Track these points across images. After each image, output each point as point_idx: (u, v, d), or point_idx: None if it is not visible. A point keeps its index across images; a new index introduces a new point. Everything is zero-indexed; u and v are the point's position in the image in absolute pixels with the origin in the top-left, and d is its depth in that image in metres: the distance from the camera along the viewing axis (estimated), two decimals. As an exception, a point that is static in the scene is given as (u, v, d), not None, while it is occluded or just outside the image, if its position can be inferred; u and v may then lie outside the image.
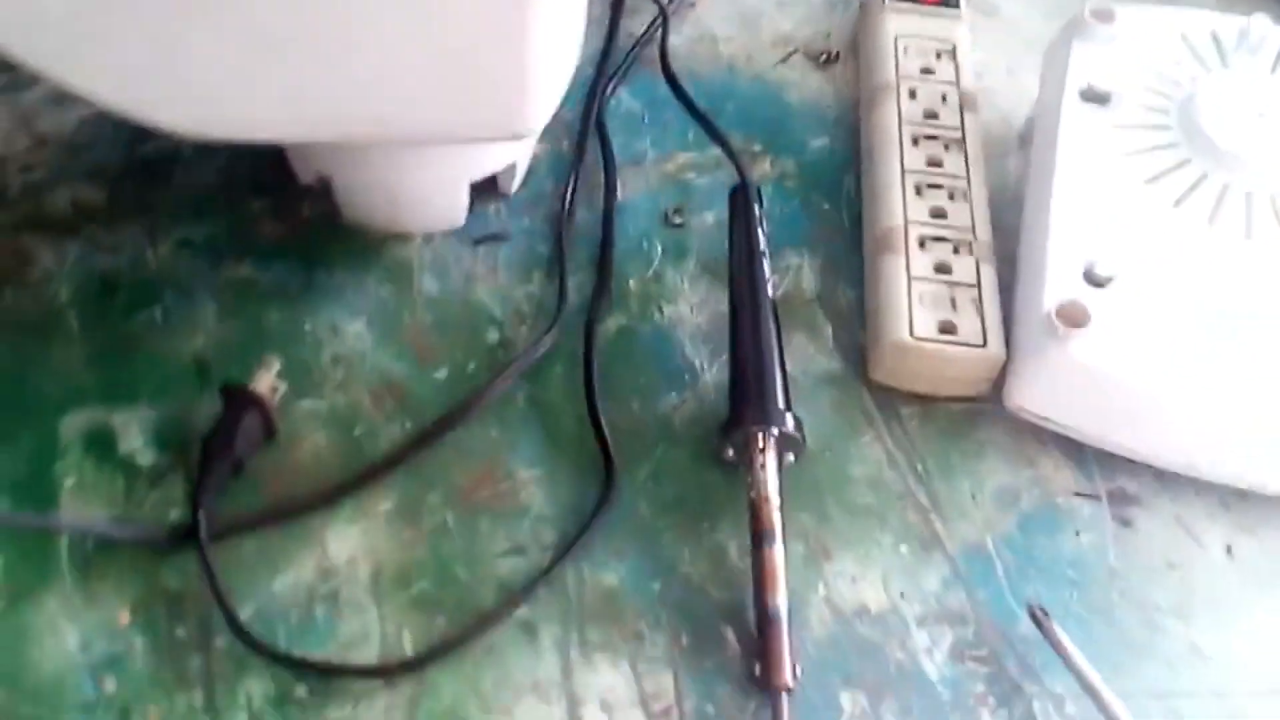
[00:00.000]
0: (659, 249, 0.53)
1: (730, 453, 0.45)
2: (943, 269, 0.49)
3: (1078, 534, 0.46)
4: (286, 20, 0.39)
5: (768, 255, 0.50)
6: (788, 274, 0.52)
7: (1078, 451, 0.47)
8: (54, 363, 0.47)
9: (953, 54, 0.57)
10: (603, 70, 0.59)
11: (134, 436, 0.45)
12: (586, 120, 0.57)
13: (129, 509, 0.43)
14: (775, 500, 0.43)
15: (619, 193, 0.54)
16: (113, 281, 0.49)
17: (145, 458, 0.45)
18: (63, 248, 0.50)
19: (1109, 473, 0.47)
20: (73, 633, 0.40)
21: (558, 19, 0.43)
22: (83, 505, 0.43)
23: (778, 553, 0.42)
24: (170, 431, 0.45)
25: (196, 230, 0.51)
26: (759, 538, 0.42)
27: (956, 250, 0.49)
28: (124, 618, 0.41)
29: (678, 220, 0.54)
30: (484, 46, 0.40)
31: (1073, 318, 0.45)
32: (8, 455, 0.44)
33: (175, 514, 0.43)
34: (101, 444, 0.45)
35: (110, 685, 0.39)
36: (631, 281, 0.51)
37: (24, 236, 0.50)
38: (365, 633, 0.41)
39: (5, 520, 0.43)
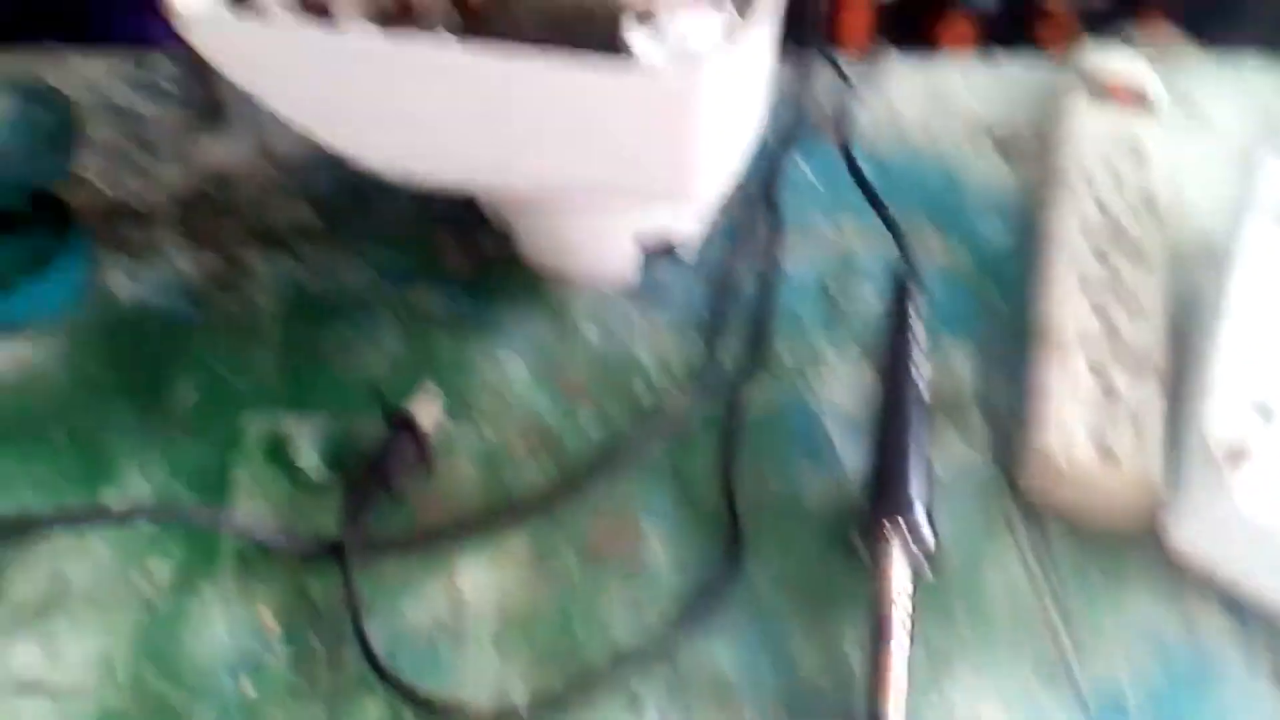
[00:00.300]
0: (817, 323, 0.49)
1: (861, 544, 0.41)
2: (1109, 387, 0.43)
3: (1225, 689, 0.39)
4: (479, 93, 0.39)
5: (925, 343, 0.45)
6: (945, 365, 0.47)
7: (1236, 599, 0.41)
8: (250, 365, 0.47)
9: (1147, 158, 0.51)
10: (783, 136, 0.55)
11: (305, 445, 0.44)
12: (761, 186, 0.53)
13: (290, 513, 0.43)
14: (901, 600, 0.39)
15: (784, 262, 0.51)
16: (311, 298, 0.49)
17: (311, 467, 0.44)
18: (275, 260, 0.50)
19: (1270, 629, 0.41)
20: (222, 627, 0.40)
21: (730, 106, 0.40)
22: (251, 503, 0.43)
23: (896, 656, 0.38)
24: (337, 445, 0.44)
25: (390, 256, 0.50)
26: (878, 638, 0.38)
27: (1126, 368, 0.44)
28: (269, 620, 0.40)
29: (840, 297, 0.50)
30: (653, 127, 0.38)
31: (1235, 454, 0.39)
32: (198, 445, 0.45)
33: (329, 525, 0.42)
34: (276, 448, 0.44)
35: (245, 683, 0.39)
36: (785, 353, 0.48)
37: (245, 246, 0.50)
38: (480, 673, 0.39)
39: (183, 515, 0.43)
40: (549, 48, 0.39)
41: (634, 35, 0.39)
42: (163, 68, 0.56)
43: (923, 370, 0.45)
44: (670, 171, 0.40)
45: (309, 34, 0.40)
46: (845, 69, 0.58)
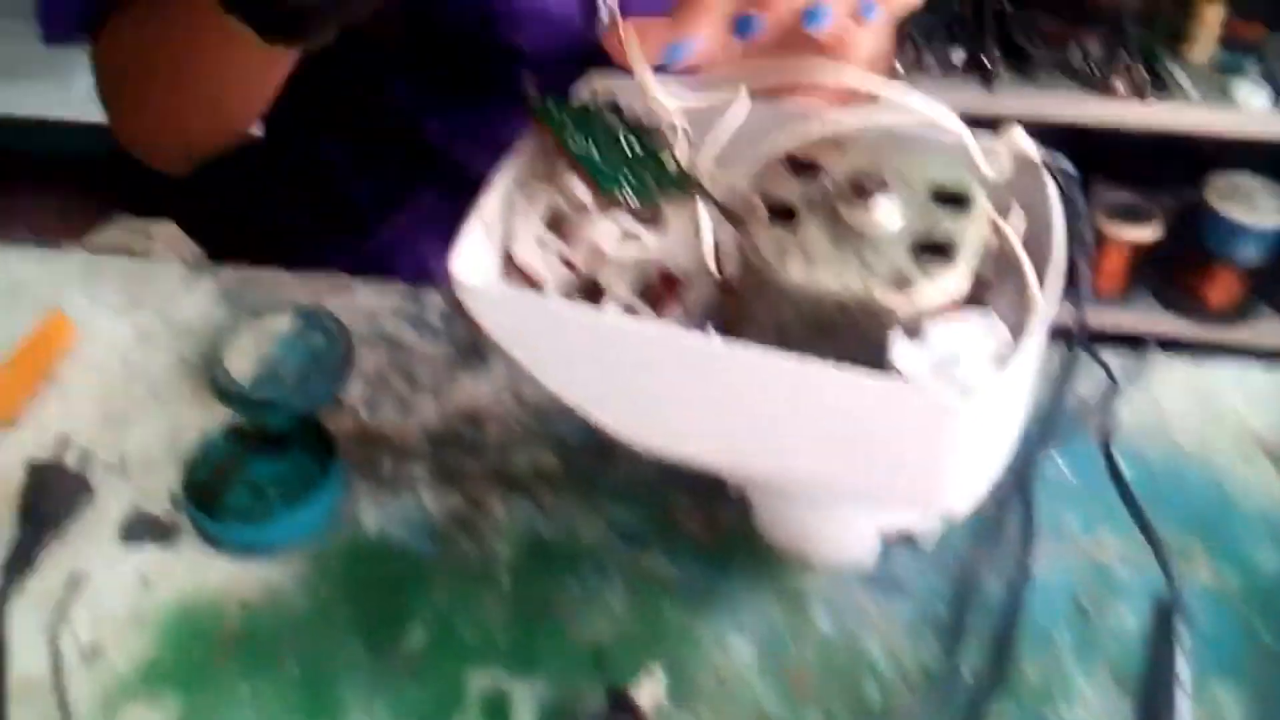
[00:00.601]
0: (1067, 640, 0.48)
1: None
2: (1407, 768, 0.40)
3: None
4: (734, 385, 0.41)
5: (1188, 682, 0.44)
6: (1210, 708, 0.45)
7: None
8: (480, 614, 0.49)
9: None
10: (1041, 429, 0.55)
11: (525, 710, 0.46)
12: (1014, 481, 0.53)
13: (503, 778, 0.44)
14: None
15: (1033, 567, 0.50)
16: (546, 548, 0.51)
17: (528, 732, 0.45)
18: (514, 506, 0.53)
19: None
20: None
21: (995, 426, 0.41)
22: (467, 761, 0.45)
23: None
24: (554, 714, 0.46)
25: (627, 514, 0.53)
26: None
27: None
28: None
29: (1093, 613, 0.49)
30: (912, 443, 0.39)
31: None
32: (422, 692, 0.47)
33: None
34: (496, 709, 0.46)
35: None
36: (1030, 670, 0.47)
37: (488, 487, 0.54)
38: None
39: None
40: (808, 342, 0.42)
41: (900, 346, 0.40)
42: (433, 303, 0.62)
43: (1185, 713, 0.43)
44: (925, 485, 0.41)
45: (578, 314, 0.44)
46: (1110, 362, 0.58)
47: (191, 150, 0.67)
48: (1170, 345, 1.60)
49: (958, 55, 1.33)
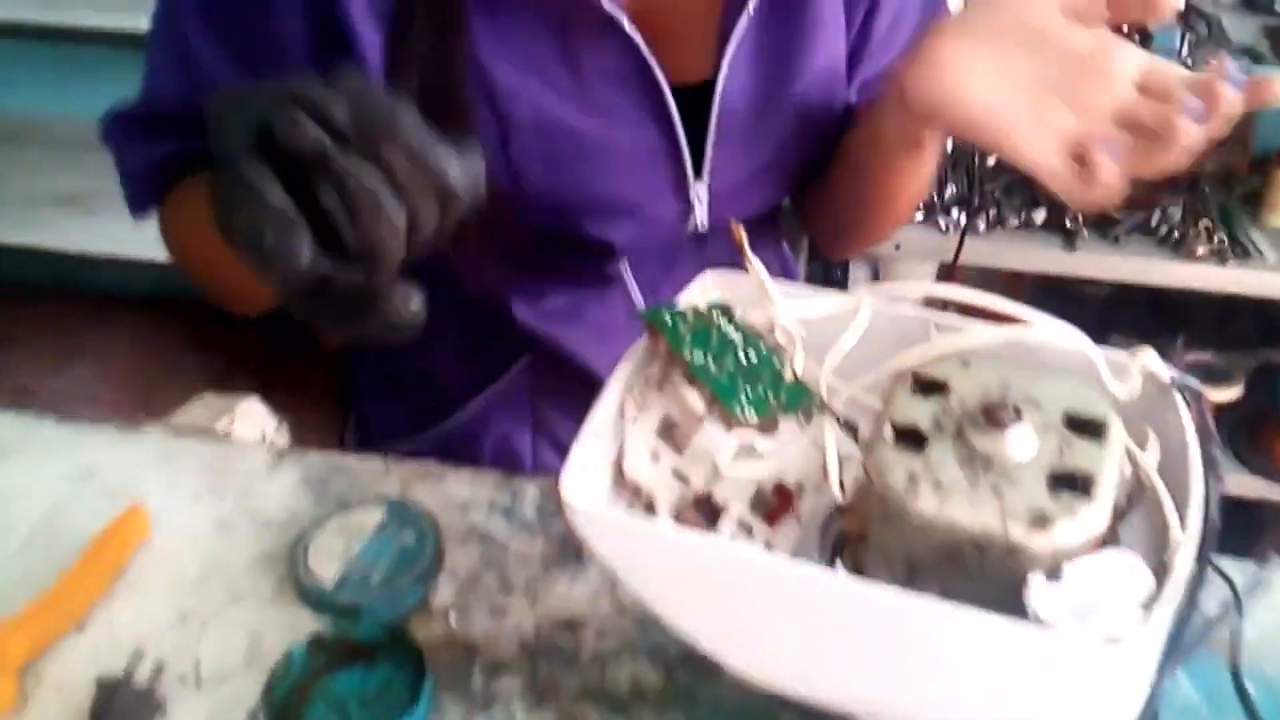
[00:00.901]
0: None
1: None
2: None
3: None
4: (852, 622, 0.41)
5: None
6: None
7: None
8: None
9: None
10: (1167, 651, 0.54)
11: None
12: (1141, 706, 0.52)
13: None
14: None
15: (1170, 803, 0.49)
16: (644, 778, 0.51)
17: None
18: (610, 724, 0.52)
19: None
20: None
21: (1130, 674, 0.41)
22: None
23: None
24: None
25: (729, 738, 0.52)
26: None
27: None
28: None
29: None
30: (1048, 688, 0.40)
31: None
32: None
33: None
34: None
35: None
36: None
37: (582, 705, 0.53)
38: None
39: None
40: (937, 575, 0.42)
41: (1038, 590, 0.40)
42: (528, 494, 0.62)
43: None
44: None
45: (692, 542, 0.44)
46: (1230, 571, 0.57)
47: (254, 303, 0.70)
48: (1247, 507, 1.57)
49: (1039, 215, 1.36)
